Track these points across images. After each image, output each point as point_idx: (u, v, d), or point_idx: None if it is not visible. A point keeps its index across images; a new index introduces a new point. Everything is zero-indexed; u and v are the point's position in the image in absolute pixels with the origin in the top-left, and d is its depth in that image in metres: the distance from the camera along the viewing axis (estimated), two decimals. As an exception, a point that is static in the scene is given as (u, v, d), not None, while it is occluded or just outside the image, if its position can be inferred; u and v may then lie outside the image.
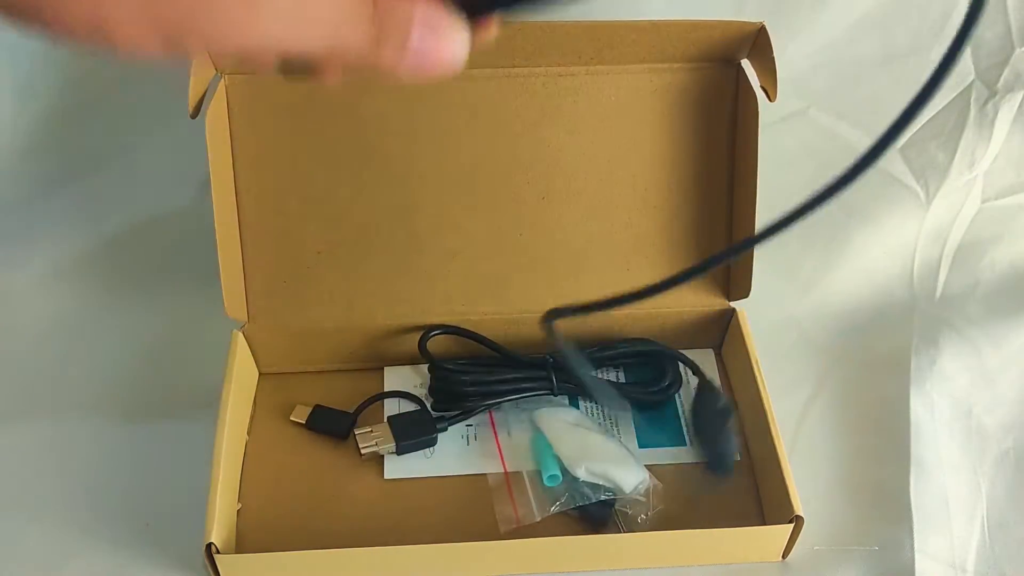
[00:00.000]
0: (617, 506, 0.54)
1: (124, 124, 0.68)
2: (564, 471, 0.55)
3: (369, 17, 0.31)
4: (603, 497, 0.54)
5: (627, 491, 0.54)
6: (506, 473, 0.56)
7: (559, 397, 0.60)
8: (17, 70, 0.65)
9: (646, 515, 0.54)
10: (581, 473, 0.55)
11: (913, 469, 0.57)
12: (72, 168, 0.69)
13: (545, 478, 0.55)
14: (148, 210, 0.69)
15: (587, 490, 0.55)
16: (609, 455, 0.56)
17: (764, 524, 0.54)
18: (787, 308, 0.67)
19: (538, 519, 0.54)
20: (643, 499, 0.55)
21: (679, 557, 0.53)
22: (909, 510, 0.55)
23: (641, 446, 0.59)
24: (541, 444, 0.57)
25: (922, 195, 0.68)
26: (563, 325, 0.42)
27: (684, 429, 0.60)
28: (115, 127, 0.68)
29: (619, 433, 0.59)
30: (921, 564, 0.53)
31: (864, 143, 0.74)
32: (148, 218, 0.69)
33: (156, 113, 0.66)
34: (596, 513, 0.54)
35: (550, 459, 0.56)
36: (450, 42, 0.33)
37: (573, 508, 0.54)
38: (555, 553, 0.52)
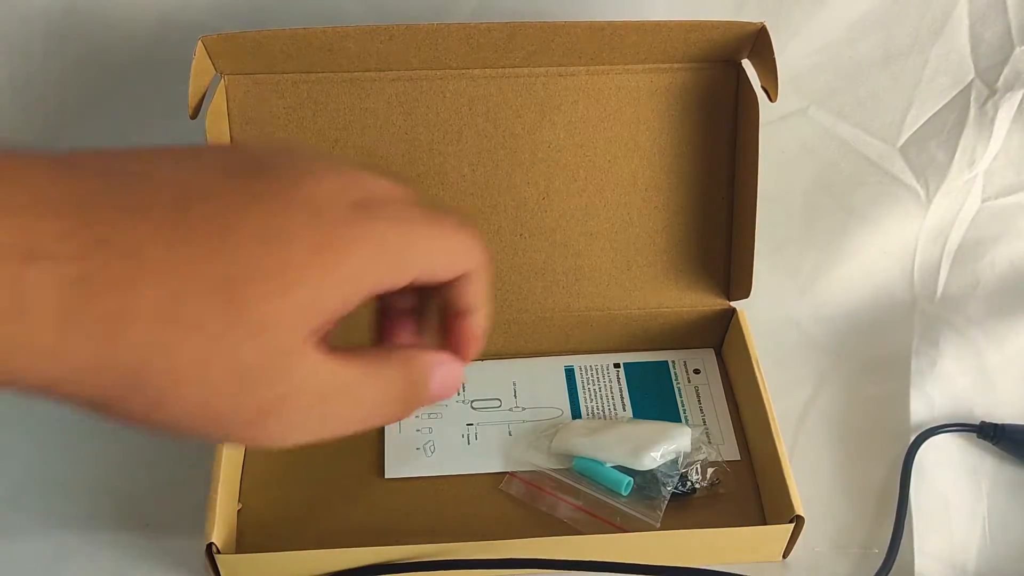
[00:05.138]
0: (693, 468, 0.56)
1: (124, 124, 0.68)
2: (629, 472, 0.55)
3: (403, 400, 0.39)
4: (681, 471, 0.55)
5: (690, 449, 0.56)
6: (584, 510, 0.55)
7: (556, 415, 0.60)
8: (17, 70, 0.65)
9: (718, 450, 0.57)
10: (648, 463, 0.55)
11: (913, 469, 0.57)
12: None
13: (623, 490, 0.55)
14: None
15: (662, 472, 0.55)
16: (651, 432, 0.56)
17: (764, 524, 0.54)
18: (787, 308, 0.67)
19: (658, 525, 0.54)
20: (705, 444, 0.57)
21: (679, 557, 0.53)
22: (909, 510, 0.55)
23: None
24: (591, 465, 0.56)
25: (922, 194, 0.68)
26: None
27: (680, 409, 0.61)
28: (115, 127, 0.68)
29: (626, 410, 0.60)
30: (921, 564, 0.53)
31: (863, 143, 0.74)
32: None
33: (156, 113, 0.66)
34: (684, 488, 0.55)
35: (612, 472, 0.56)
36: (456, 375, 0.40)
37: (671, 498, 0.55)
38: (555, 553, 0.52)
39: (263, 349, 0.33)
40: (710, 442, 0.58)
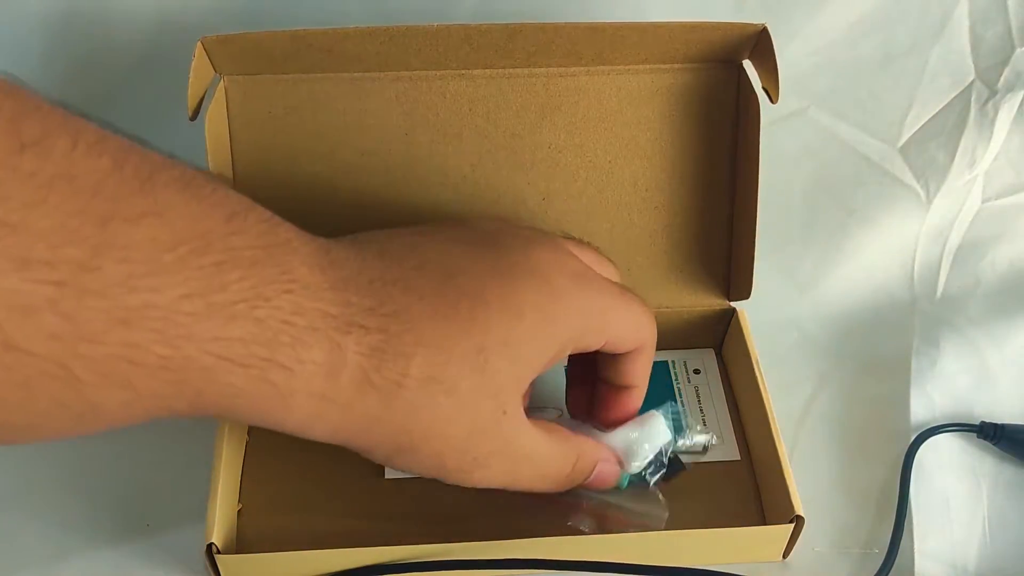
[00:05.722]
0: (681, 440, 0.56)
1: (124, 124, 0.67)
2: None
3: (566, 477, 0.46)
4: (669, 457, 0.54)
5: (670, 435, 0.53)
6: (585, 508, 0.54)
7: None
8: (15, 71, 0.65)
9: (702, 424, 0.58)
10: (635, 468, 0.52)
11: (913, 469, 0.57)
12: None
13: (622, 484, 0.53)
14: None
15: (651, 470, 0.53)
16: (628, 434, 0.53)
17: (764, 524, 0.54)
18: (787, 308, 0.67)
19: (666, 515, 0.53)
20: (684, 418, 0.58)
21: (679, 557, 0.53)
22: (909, 510, 0.55)
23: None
24: None
25: (922, 195, 0.68)
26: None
27: (680, 409, 0.60)
28: (115, 127, 0.67)
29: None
30: (921, 564, 0.53)
31: (863, 143, 0.74)
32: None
33: (155, 114, 0.66)
34: (674, 467, 0.54)
35: None
36: (614, 474, 0.49)
37: (662, 480, 0.53)
38: (555, 553, 0.52)
39: (495, 411, 0.39)
40: (685, 426, 0.57)
